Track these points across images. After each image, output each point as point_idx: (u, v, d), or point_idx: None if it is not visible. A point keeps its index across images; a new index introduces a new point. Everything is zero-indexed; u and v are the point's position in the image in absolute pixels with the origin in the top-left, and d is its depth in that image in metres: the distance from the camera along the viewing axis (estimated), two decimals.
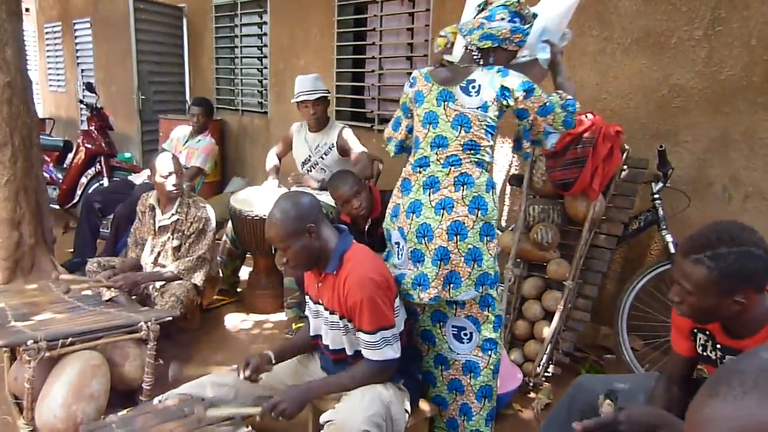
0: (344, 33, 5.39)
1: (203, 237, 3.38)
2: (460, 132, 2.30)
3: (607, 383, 2.00)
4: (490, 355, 2.41)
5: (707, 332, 1.72)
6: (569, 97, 2.31)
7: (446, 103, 2.33)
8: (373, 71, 5.20)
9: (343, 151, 3.90)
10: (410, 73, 4.88)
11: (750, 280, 1.48)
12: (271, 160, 4.22)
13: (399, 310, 2.20)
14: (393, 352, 2.11)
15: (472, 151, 2.30)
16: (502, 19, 2.32)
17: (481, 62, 2.35)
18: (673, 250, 3.04)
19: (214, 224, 3.42)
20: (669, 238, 3.06)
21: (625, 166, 3.16)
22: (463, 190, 2.28)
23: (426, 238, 2.29)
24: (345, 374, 2.16)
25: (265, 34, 6.30)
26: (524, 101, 2.26)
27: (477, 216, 2.28)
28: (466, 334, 2.42)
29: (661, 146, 3.04)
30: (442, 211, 2.28)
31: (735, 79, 3.07)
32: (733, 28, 3.05)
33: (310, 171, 4.04)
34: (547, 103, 2.27)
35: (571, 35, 2.62)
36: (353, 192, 3.10)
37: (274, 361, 2.28)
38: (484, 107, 2.28)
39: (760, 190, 3.05)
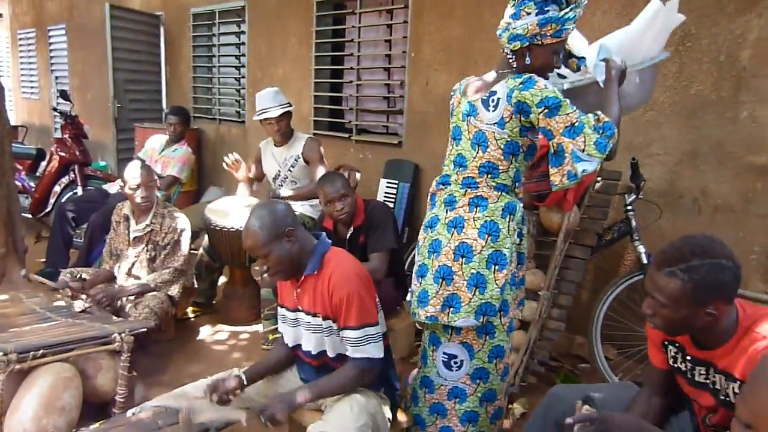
0: (322, 43, 5.42)
1: (178, 248, 3.35)
2: (477, 152, 2.16)
3: (581, 393, 2.02)
4: (478, 384, 2.30)
5: (677, 344, 1.76)
6: (607, 119, 1.99)
7: (469, 118, 2.19)
8: (351, 82, 5.22)
9: (308, 161, 3.91)
10: (388, 85, 4.97)
11: (721, 292, 1.53)
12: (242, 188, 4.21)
13: (381, 311, 2.22)
14: (376, 350, 2.11)
15: (490, 175, 2.16)
16: (528, 13, 2.04)
17: (515, 65, 2.13)
18: (645, 261, 3.09)
19: (189, 235, 3.39)
20: (642, 248, 3.12)
21: (599, 178, 3.22)
22: (476, 211, 2.16)
23: (435, 254, 2.22)
24: (330, 378, 2.15)
25: (243, 43, 6.30)
26: (546, 119, 2.00)
27: (486, 241, 2.14)
28: (456, 362, 2.30)
29: (633, 158, 3.10)
30: (453, 229, 2.19)
31: (705, 93, 3.14)
32: (702, 44, 3.13)
33: (282, 185, 4.03)
34: (577, 123, 1.97)
35: (664, 55, 2.40)
36: (339, 195, 3.10)
37: (246, 383, 2.26)
38: (500, 123, 2.09)
39: (728, 203, 3.13)
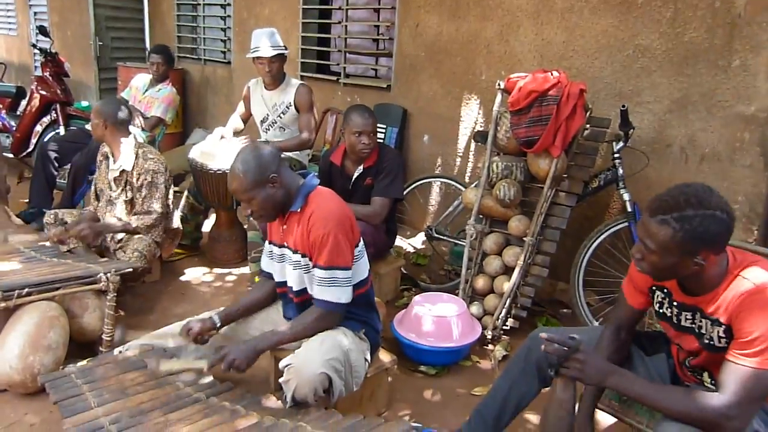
0: None
1: (155, 191, 3.28)
2: None
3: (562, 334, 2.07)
4: None
5: (665, 290, 1.79)
6: None
7: None
8: (339, 22, 5.09)
9: (299, 109, 3.84)
10: (377, 27, 4.85)
11: (712, 243, 1.54)
12: (234, 121, 4.11)
13: (360, 257, 2.23)
14: (343, 295, 2.13)
15: None
16: None
17: None
18: (630, 209, 3.10)
19: (165, 177, 3.32)
20: (627, 196, 3.13)
21: (588, 125, 3.20)
22: None
23: None
24: (291, 323, 2.19)
25: None
26: None
27: None
28: None
29: (623, 106, 3.07)
30: None
31: (698, 40, 3.10)
32: None
33: (269, 130, 3.97)
34: None
35: None
36: (371, 129, 3.11)
37: (218, 325, 2.29)
38: None
39: (715, 152, 3.13)
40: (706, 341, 1.68)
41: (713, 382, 1.75)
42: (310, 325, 2.14)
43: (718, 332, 1.63)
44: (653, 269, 1.65)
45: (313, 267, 2.13)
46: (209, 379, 2.14)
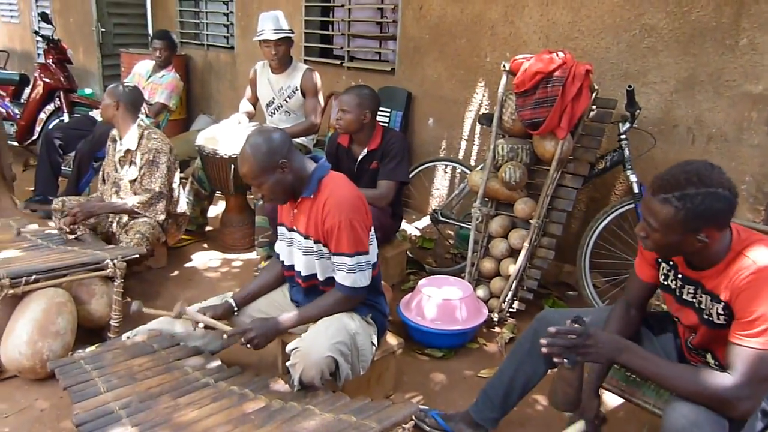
0: None
1: (155, 170, 3.29)
2: None
3: (569, 316, 2.06)
4: None
5: (671, 262, 1.80)
6: None
7: None
8: (342, 6, 5.05)
9: (305, 93, 3.83)
10: (381, 10, 4.81)
11: (714, 220, 1.54)
12: (245, 107, 4.11)
13: (372, 240, 2.23)
14: (364, 279, 2.15)
15: None
16: None
17: None
18: (637, 190, 3.09)
19: (168, 157, 3.32)
20: (633, 178, 3.11)
21: (594, 106, 3.17)
22: None
23: None
24: (313, 305, 2.19)
25: None
26: None
27: None
28: None
29: (629, 86, 3.05)
30: None
31: (705, 19, 3.06)
32: None
33: (274, 114, 3.96)
34: None
35: None
36: (341, 107, 3.12)
37: (236, 309, 2.31)
38: None
39: (722, 132, 3.10)
40: (705, 317, 1.68)
41: (717, 363, 1.75)
42: (331, 307, 2.16)
43: (717, 309, 1.63)
44: (657, 247, 1.65)
45: (336, 254, 2.12)
46: (217, 363, 2.16)
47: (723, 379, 1.52)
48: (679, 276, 1.77)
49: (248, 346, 2.09)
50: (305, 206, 2.17)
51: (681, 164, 1.58)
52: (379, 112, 3.26)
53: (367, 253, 2.14)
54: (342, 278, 2.14)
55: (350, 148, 3.33)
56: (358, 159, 3.28)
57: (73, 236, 3.10)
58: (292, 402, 1.89)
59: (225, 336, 2.15)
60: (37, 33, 5.85)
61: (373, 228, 2.24)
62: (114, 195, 3.39)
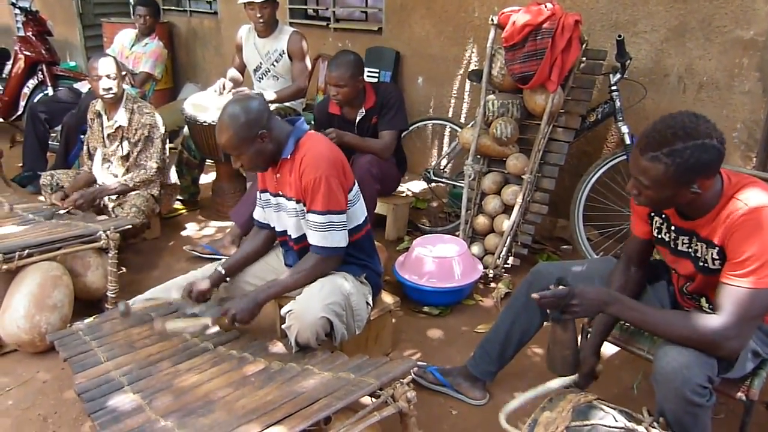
0: None
1: (150, 145, 3.27)
2: None
3: (563, 269, 2.08)
4: None
5: (663, 215, 1.80)
6: None
7: None
8: None
9: (291, 57, 3.77)
10: None
11: (705, 171, 1.53)
12: (232, 73, 4.04)
13: (356, 200, 2.21)
14: (340, 239, 2.12)
15: None
16: None
17: None
18: (628, 141, 3.08)
19: (161, 130, 3.30)
20: (625, 129, 3.09)
21: (584, 58, 3.14)
22: None
23: None
24: (291, 271, 2.18)
25: None
26: None
27: None
28: None
29: (619, 36, 3.00)
30: None
31: None
32: None
33: (262, 79, 3.90)
34: None
35: None
36: (334, 82, 3.12)
37: (224, 275, 2.30)
38: None
39: (713, 80, 3.08)
40: (701, 264, 1.69)
41: (711, 306, 1.77)
42: (308, 272, 2.14)
43: (711, 254, 1.64)
44: (651, 203, 1.66)
45: (308, 212, 2.11)
46: (216, 329, 2.17)
47: (711, 320, 1.54)
48: (673, 228, 1.77)
49: (235, 324, 2.09)
50: (286, 168, 2.15)
51: (665, 118, 1.57)
52: (367, 73, 3.25)
53: (341, 212, 2.11)
54: (312, 237, 2.12)
55: (343, 114, 3.33)
56: (357, 121, 3.30)
57: (64, 210, 3.08)
58: (291, 363, 1.90)
59: (209, 325, 2.12)
60: (14, 5, 5.71)
61: (357, 186, 2.23)
62: (104, 170, 3.35)
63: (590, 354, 1.87)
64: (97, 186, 3.28)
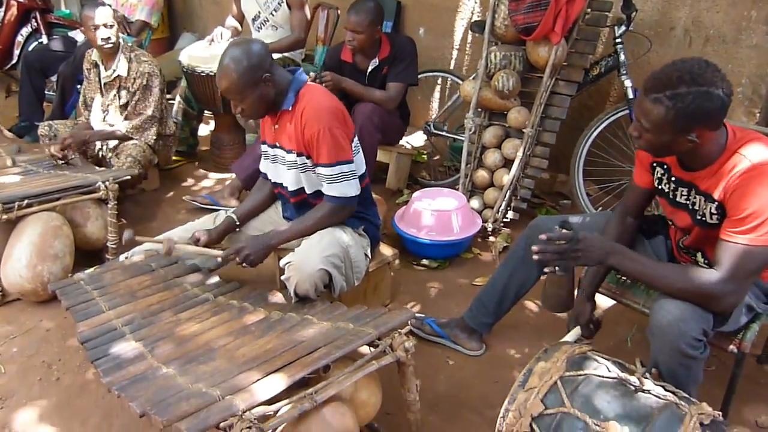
0: None
1: (149, 94, 3.23)
2: None
3: (561, 221, 2.08)
4: None
5: (665, 165, 1.79)
6: None
7: None
8: None
9: (290, 6, 3.69)
10: None
11: (705, 120, 1.52)
12: (231, 22, 3.95)
13: (357, 151, 2.20)
14: (352, 189, 2.13)
15: None
16: None
17: None
18: (632, 96, 3.04)
19: (159, 79, 3.26)
20: (628, 83, 3.05)
21: (589, 9, 3.07)
22: None
23: None
24: (305, 218, 2.19)
25: None
26: None
27: None
28: None
29: None
30: None
31: None
32: None
33: (261, 29, 3.83)
34: None
35: None
36: (351, 27, 3.13)
37: (238, 224, 2.32)
38: None
39: (720, 33, 3.02)
40: (699, 217, 1.70)
41: (707, 261, 1.78)
42: (322, 219, 2.14)
43: (710, 208, 1.65)
44: (650, 147, 1.65)
45: (317, 165, 2.10)
46: (216, 279, 2.19)
47: (709, 275, 1.55)
48: (673, 179, 1.77)
49: (244, 264, 2.11)
50: (285, 119, 2.13)
51: (676, 62, 1.55)
52: None
53: (350, 161, 2.11)
54: (327, 189, 2.12)
55: (355, 62, 3.33)
56: (369, 70, 3.30)
57: (63, 161, 3.07)
58: (290, 313, 1.93)
59: (219, 259, 2.16)
60: None
61: (357, 138, 2.22)
62: (102, 121, 3.32)
63: (584, 301, 1.89)
64: (83, 126, 3.26)
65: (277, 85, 2.08)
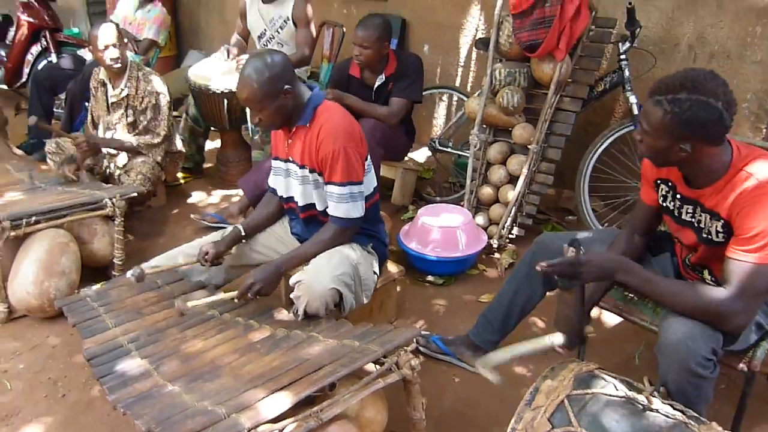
0: None
1: (159, 113, 3.26)
2: None
3: (567, 239, 2.07)
4: None
5: (670, 183, 1.79)
6: None
7: None
8: None
9: (296, 24, 3.72)
10: None
11: (699, 130, 1.52)
12: (236, 40, 4.00)
13: (369, 170, 2.21)
14: (357, 210, 2.13)
15: None
16: None
17: None
18: (636, 112, 3.04)
19: (167, 98, 3.29)
20: (633, 99, 3.05)
21: (593, 26, 3.09)
22: None
23: None
24: (310, 242, 2.18)
25: None
26: None
27: None
28: None
29: (630, 3, 2.95)
30: None
31: None
32: None
33: (266, 46, 3.86)
34: None
35: None
36: (359, 42, 3.14)
37: (244, 235, 2.31)
38: None
39: (725, 49, 3.03)
40: (704, 236, 1.69)
41: (713, 279, 1.77)
42: (327, 242, 2.14)
43: (716, 227, 1.64)
44: (648, 151, 1.65)
45: (328, 184, 2.11)
46: (220, 296, 2.18)
47: (719, 294, 1.54)
48: (678, 196, 1.76)
49: (257, 297, 2.09)
50: (300, 135, 2.14)
51: (686, 70, 1.57)
52: None
53: (359, 183, 2.12)
54: (333, 209, 2.13)
55: (362, 77, 3.36)
56: (375, 86, 3.32)
57: (72, 179, 3.08)
58: (296, 330, 1.92)
59: (235, 300, 2.10)
60: None
61: (369, 158, 2.22)
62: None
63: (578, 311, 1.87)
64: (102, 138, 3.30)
65: (297, 98, 2.09)
